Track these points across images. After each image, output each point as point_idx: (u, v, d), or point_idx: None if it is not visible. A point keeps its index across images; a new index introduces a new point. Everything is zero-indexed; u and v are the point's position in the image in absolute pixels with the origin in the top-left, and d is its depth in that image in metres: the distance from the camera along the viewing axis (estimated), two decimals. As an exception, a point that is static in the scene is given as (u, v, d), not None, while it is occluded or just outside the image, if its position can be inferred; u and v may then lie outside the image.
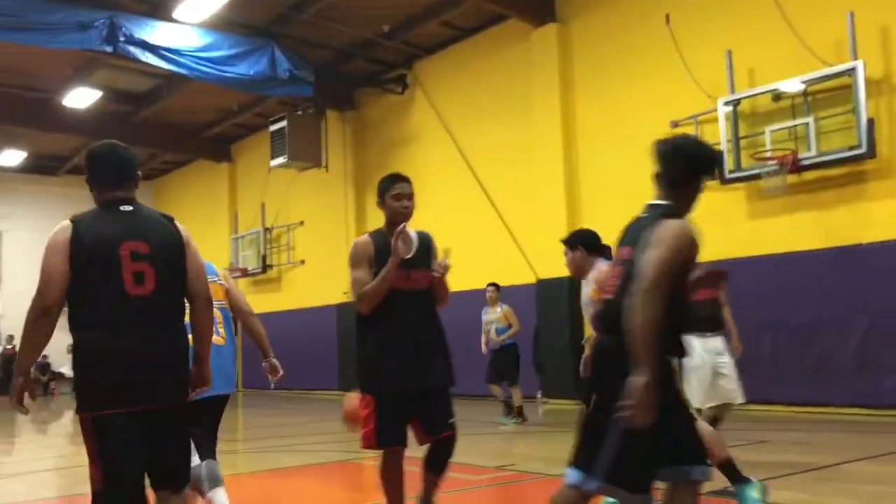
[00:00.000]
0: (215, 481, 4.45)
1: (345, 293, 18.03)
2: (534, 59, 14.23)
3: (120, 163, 3.51)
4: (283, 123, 17.58)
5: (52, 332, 3.20)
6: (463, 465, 7.15)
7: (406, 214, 4.35)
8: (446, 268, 4.25)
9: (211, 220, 22.94)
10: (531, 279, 14.18)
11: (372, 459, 8.36)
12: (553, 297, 13.67)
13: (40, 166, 23.11)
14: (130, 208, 3.42)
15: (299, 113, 18.02)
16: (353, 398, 4.30)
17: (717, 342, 6.24)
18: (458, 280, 16.84)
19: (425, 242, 4.36)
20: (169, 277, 3.28)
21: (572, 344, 13.44)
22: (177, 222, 3.49)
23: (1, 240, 23.53)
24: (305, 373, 18.88)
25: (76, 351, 3.21)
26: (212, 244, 22.60)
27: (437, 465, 4.34)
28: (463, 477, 6.60)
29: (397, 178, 4.44)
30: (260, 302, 21.34)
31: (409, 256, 4.15)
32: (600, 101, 13.38)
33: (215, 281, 4.99)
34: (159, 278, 3.23)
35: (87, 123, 19.02)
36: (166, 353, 3.22)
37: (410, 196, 4.40)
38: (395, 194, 4.36)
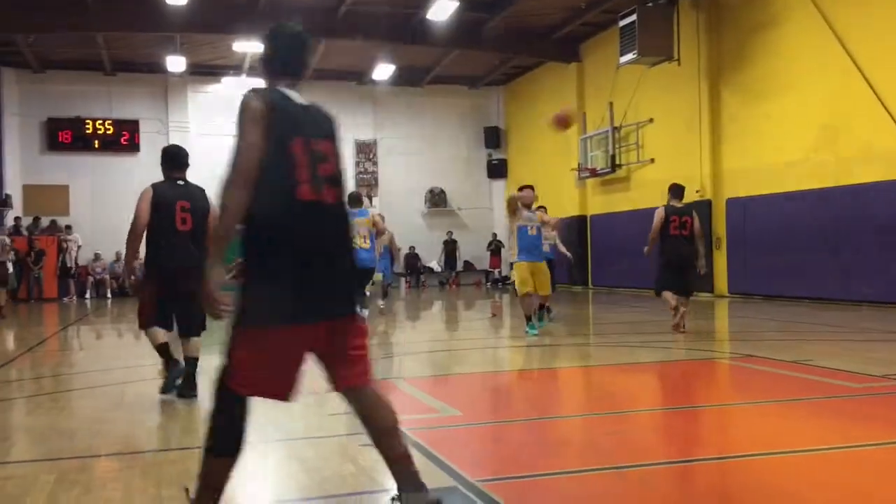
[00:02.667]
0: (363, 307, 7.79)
1: (697, 191, 17.42)
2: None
3: (181, 156, 6.22)
4: (633, 17, 17.10)
5: (140, 244, 5.96)
6: (844, 372, 6.66)
7: None
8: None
9: (560, 122, 23.30)
10: (919, 173, 12.49)
11: (729, 358, 8.13)
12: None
13: (406, 78, 25.11)
14: (182, 182, 6.14)
15: (650, 5, 17.35)
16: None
17: None
18: (836, 175, 15.23)
19: None
20: (200, 221, 5.98)
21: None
22: (207, 191, 6.00)
23: (377, 147, 26.22)
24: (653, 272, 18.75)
25: (147, 256, 5.99)
26: (560, 145, 23.06)
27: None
28: (843, 384, 6.15)
29: None
30: (608, 202, 21.50)
31: None
32: None
33: (367, 217, 10.49)
34: (195, 222, 5.97)
35: (445, 34, 20.21)
36: (193, 262, 5.59)
37: None
38: None
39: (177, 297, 5.99)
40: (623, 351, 8.94)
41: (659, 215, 10.08)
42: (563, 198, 22.86)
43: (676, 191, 10.32)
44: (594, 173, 21.27)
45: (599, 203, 21.92)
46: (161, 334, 6.10)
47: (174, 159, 6.21)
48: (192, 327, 6.10)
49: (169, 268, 5.91)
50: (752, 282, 16.34)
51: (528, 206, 10.28)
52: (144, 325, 6.16)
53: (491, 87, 27.01)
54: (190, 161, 6.28)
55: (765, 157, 15.93)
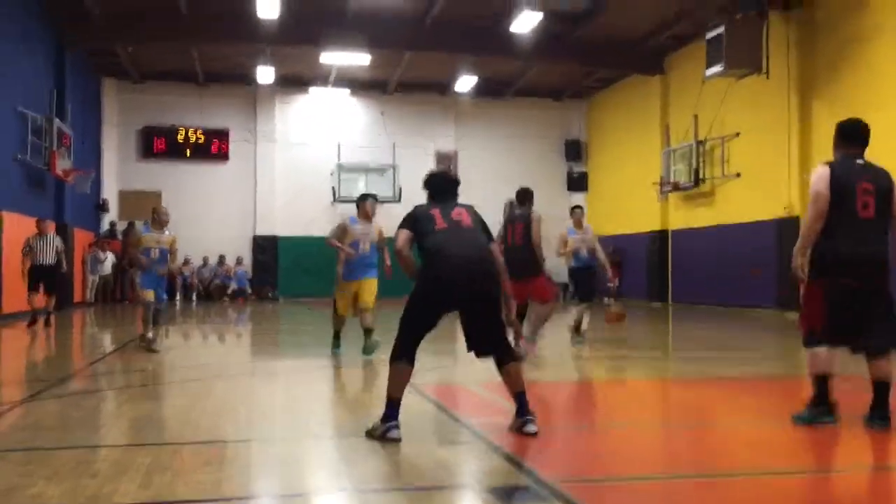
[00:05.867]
0: None
1: (785, 208, 16.97)
2: None
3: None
4: (721, 30, 16.80)
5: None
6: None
7: None
8: None
9: (642, 135, 23.08)
10: None
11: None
12: None
13: (488, 90, 25.23)
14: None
15: (738, 17, 17.02)
16: None
17: None
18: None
19: None
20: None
21: None
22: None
23: (457, 159, 26.38)
24: (740, 289, 18.33)
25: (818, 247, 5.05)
26: (643, 159, 22.81)
27: None
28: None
29: None
30: (691, 217, 21.14)
31: None
32: None
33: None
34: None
35: (528, 46, 20.24)
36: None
37: None
38: None
39: (869, 296, 4.86)
40: (702, 364, 8.78)
41: None
42: (644, 212, 22.59)
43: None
44: (677, 187, 20.94)
45: (681, 218, 21.55)
46: (831, 358, 4.92)
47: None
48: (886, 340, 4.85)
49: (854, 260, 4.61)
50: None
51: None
52: (811, 342, 4.95)
53: (573, 99, 26.89)
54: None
55: (857, 173, 15.42)
